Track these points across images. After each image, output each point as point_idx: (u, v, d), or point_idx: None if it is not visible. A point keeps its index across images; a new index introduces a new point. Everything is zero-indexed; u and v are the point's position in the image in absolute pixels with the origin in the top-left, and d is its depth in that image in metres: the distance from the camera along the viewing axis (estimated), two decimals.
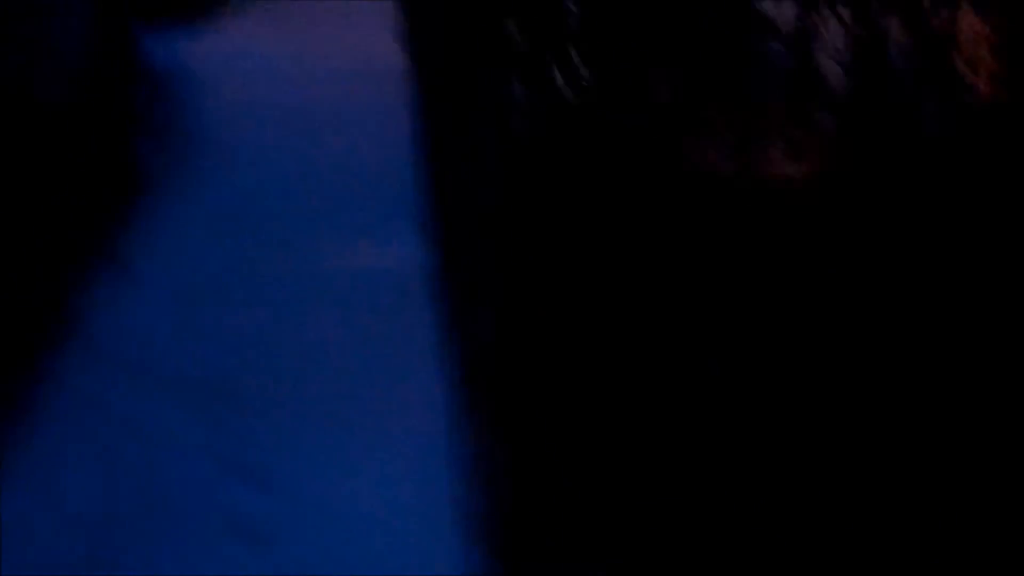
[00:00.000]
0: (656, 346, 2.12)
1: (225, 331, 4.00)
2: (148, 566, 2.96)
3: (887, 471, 2.28)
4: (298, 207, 4.92)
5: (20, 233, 3.97)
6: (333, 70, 6.00)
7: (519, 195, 2.41)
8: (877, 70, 2.48)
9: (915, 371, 2.38)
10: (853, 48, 2.48)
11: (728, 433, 2.23)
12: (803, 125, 2.16)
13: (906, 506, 2.24)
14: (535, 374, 2.43)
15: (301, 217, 4.85)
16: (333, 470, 3.26)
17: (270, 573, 2.94)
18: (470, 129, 3.24)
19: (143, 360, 3.75)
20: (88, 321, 3.89)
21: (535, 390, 2.43)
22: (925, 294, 2.39)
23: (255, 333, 4.01)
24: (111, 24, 4.83)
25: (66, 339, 3.78)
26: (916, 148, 2.49)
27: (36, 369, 3.64)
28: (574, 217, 2.20)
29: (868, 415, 2.34)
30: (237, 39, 6.27)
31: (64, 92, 4.43)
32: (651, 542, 2.18)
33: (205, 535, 3.05)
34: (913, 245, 2.39)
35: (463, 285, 3.84)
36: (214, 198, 4.90)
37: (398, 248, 4.64)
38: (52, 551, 3.00)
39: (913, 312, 2.39)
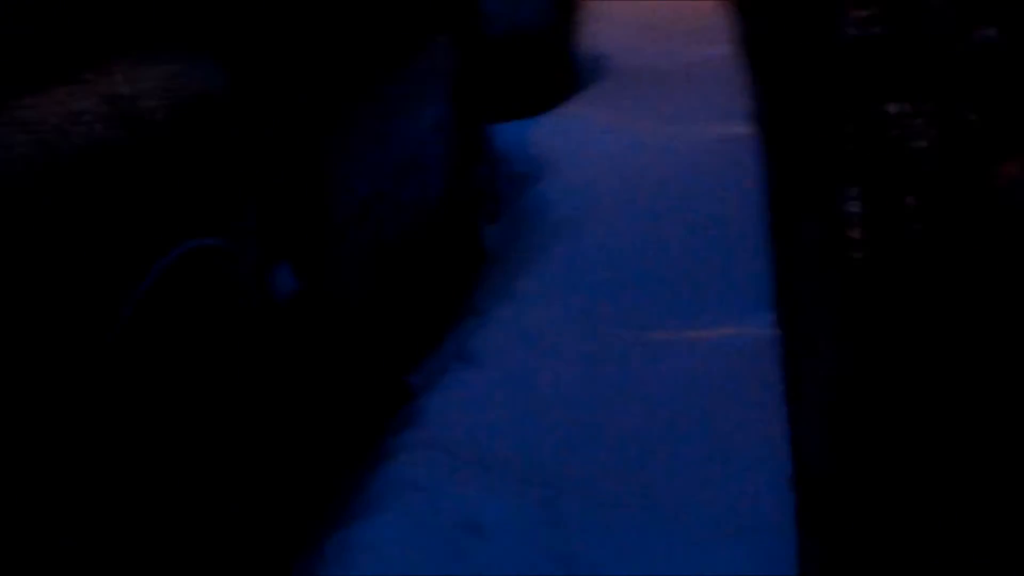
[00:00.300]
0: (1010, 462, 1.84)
1: (562, 413, 3.90)
2: None
3: None
4: (643, 283, 4.82)
5: (370, 317, 4.02)
6: (680, 151, 5.89)
7: (868, 290, 2.18)
8: None
9: None
10: None
11: None
12: None
13: None
14: (883, 478, 2.17)
15: (645, 293, 4.74)
16: (661, 568, 3.09)
17: None
18: (820, 219, 3.05)
19: (477, 445, 3.68)
20: (425, 405, 3.85)
21: (883, 495, 2.18)
22: None
23: (592, 415, 3.89)
24: (468, 123, 4.89)
25: (403, 424, 3.76)
26: None
27: (372, 456, 3.63)
28: (924, 320, 1.96)
29: None
30: (585, 123, 6.26)
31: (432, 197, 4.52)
32: None
33: None
34: None
35: (812, 373, 3.61)
36: (558, 277, 4.85)
37: (744, 327, 4.46)
38: None
39: None
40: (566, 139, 5.96)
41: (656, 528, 3.22)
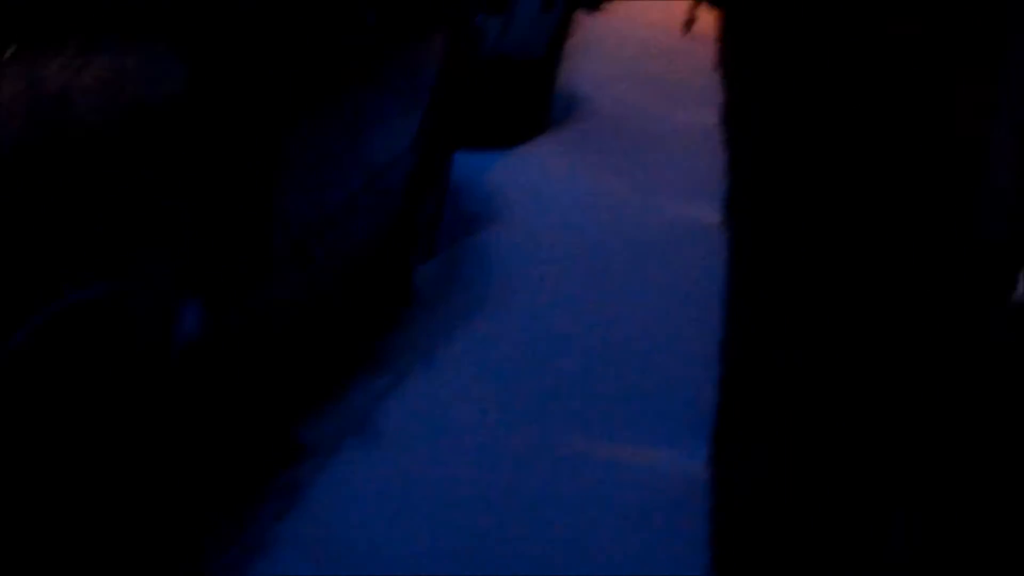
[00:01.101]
0: None
1: (463, 521, 3.40)
2: None
3: None
4: (571, 376, 4.34)
5: (273, 360, 3.50)
6: (643, 226, 5.41)
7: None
8: None
9: None
10: None
11: None
12: None
13: None
14: None
15: (576, 387, 4.26)
16: None
17: None
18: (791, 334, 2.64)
19: (361, 548, 3.17)
20: (311, 490, 3.33)
21: None
22: None
23: (496, 529, 3.41)
24: (436, 148, 4.33)
25: (283, 510, 3.23)
26: None
27: (245, 537, 3.11)
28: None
29: None
30: (549, 170, 5.74)
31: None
32: None
33: None
34: None
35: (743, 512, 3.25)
36: (485, 347, 4.35)
37: (674, 454, 4.01)
38: None
39: None
40: (526, 183, 5.45)
41: None
